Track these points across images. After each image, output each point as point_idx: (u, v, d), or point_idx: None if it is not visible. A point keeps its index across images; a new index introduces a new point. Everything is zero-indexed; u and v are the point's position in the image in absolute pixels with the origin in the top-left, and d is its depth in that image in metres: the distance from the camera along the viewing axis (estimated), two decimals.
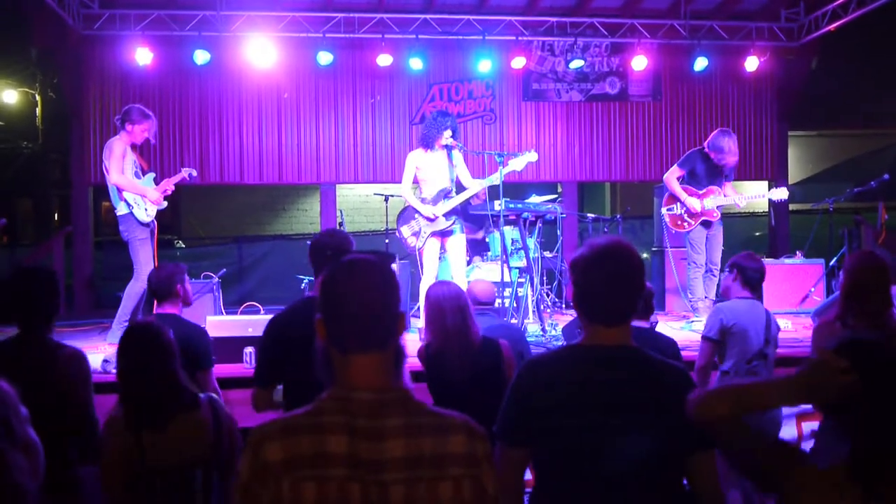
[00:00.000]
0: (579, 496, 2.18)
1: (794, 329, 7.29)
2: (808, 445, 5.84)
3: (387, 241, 9.40)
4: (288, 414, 1.75)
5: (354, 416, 1.68)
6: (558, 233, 8.46)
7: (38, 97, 20.53)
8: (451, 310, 3.97)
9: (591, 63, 10.91)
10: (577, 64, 10.53)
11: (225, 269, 8.91)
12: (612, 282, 2.22)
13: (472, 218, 7.97)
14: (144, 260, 6.91)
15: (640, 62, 10.37)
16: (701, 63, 10.38)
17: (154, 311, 4.73)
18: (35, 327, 3.26)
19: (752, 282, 4.70)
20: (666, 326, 7.27)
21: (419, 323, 7.13)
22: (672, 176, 7.83)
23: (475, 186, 6.99)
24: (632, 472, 2.15)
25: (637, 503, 2.18)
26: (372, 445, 1.65)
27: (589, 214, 9.83)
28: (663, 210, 7.92)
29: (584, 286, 2.27)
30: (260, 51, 9.58)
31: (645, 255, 10.17)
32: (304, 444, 1.65)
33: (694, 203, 7.64)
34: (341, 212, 9.80)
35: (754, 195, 8.08)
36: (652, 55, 10.49)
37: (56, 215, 22.73)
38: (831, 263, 8.87)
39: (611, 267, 2.23)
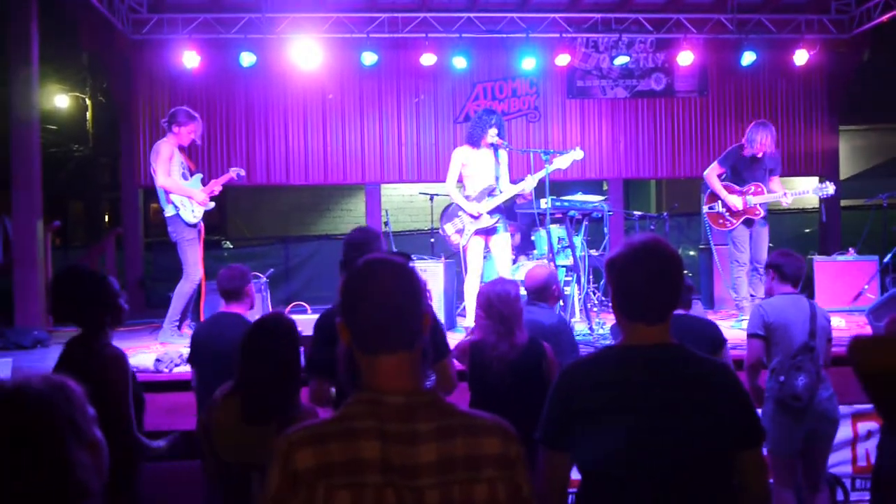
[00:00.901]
0: (624, 498, 2.15)
1: (848, 327, 7.14)
2: (864, 446, 5.76)
3: (432, 240, 9.41)
4: (314, 421, 1.75)
5: (385, 421, 1.66)
6: (605, 231, 8.39)
7: (88, 102, 20.92)
8: (500, 309, 3.95)
9: (636, 59, 10.80)
10: (621, 60, 10.44)
11: (273, 269, 8.98)
12: (650, 280, 2.20)
13: (517, 216, 7.94)
14: (193, 260, 7.00)
15: (686, 58, 10.24)
16: (748, 57, 10.23)
17: (221, 310, 4.80)
18: (88, 328, 3.33)
19: (791, 276, 4.65)
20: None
21: (465, 322, 7.16)
22: (712, 173, 7.72)
23: (518, 188, 6.94)
24: (677, 473, 2.12)
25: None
26: (405, 450, 1.63)
27: (635, 212, 9.73)
28: (704, 208, 7.82)
29: (623, 285, 2.25)
30: (305, 52, 9.64)
31: (692, 253, 10.05)
32: (335, 450, 1.62)
33: (735, 201, 7.53)
34: (387, 211, 9.82)
35: (801, 191, 7.92)
36: (698, 50, 10.35)
37: (107, 218, 23.13)
38: (885, 260, 8.67)
39: (649, 265, 2.21)
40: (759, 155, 7.49)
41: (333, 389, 3.60)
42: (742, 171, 7.62)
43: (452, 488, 1.62)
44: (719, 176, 7.70)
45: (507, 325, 3.94)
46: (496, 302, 3.97)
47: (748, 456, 2.19)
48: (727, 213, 7.62)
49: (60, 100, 20.56)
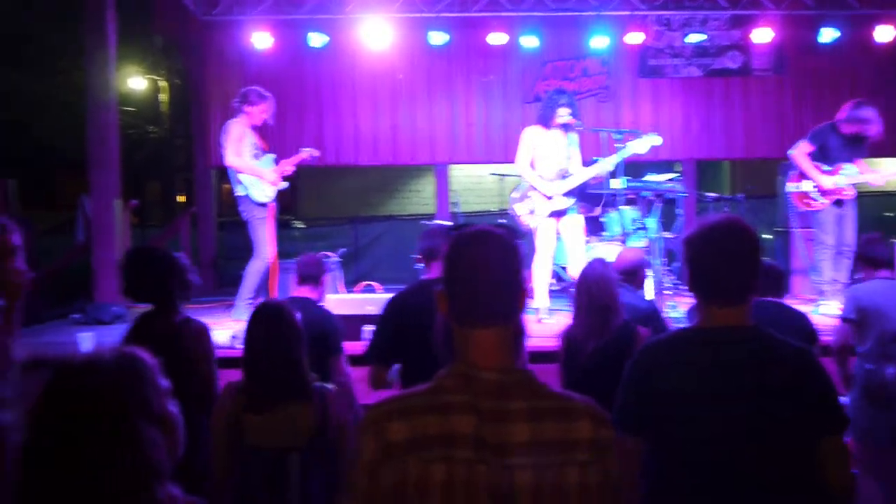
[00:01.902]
0: (700, 485, 2.10)
1: None
2: None
3: (502, 220, 9.36)
4: (406, 392, 1.72)
5: (479, 397, 1.63)
6: (678, 212, 8.22)
7: (163, 83, 21.36)
8: (598, 294, 3.89)
9: (710, 37, 10.53)
10: (695, 38, 10.19)
11: (345, 249, 9.05)
12: (727, 260, 2.16)
13: (589, 197, 7.83)
14: (263, 239, 7.07)
15: (762, 35, 9.94)
16: (828, 34, 9.89)
17: (292, 294, 4.87)
18: (161, 303, 3.40)
19: (883, 261, 4.48)
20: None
21: (533, 304, 7.10)
22: (801, 151, 7.40)
23: (591, 170, 6.83)
24: (754, 458, 2.08)
25: (761, 492, 2.09)
26: (497, 428, 1.61)
27: (709, 194, 9.52)
28: (791, 186, 7.54)
29: (699, 265, 2.21)
30: (374, 32, 9.64)
31: (768, 236, 9.78)
32: (429, 423, 1.61)
33: (825, 180, 7.22)
34: (455, 192, 9.80)
35: (893, 172, 7.58)
36: (776, 27, 10.02)
37: (182, 198, 23.66)
38: None
39: (726, 245, 2.17)
40: (866, 134, 7.15)
41: (394, 371, 3.60)
42: (832, 150, 7.27)
43: (545, 470, 1.59)
44: (808, 154, 7.37)
45: (603, 311, 3.88)
46: (594, 287, 3.91)
47: (829, 444, 2.13)
48: (815, 193, 7.32)
49: (136, 82, 21.04)
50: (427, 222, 9.56)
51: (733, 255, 2.16)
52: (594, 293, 3.91)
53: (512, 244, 1.75)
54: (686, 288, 2.27)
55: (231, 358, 5.58)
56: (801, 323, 4.26)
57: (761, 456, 2.07)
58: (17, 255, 3.08)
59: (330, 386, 3.13)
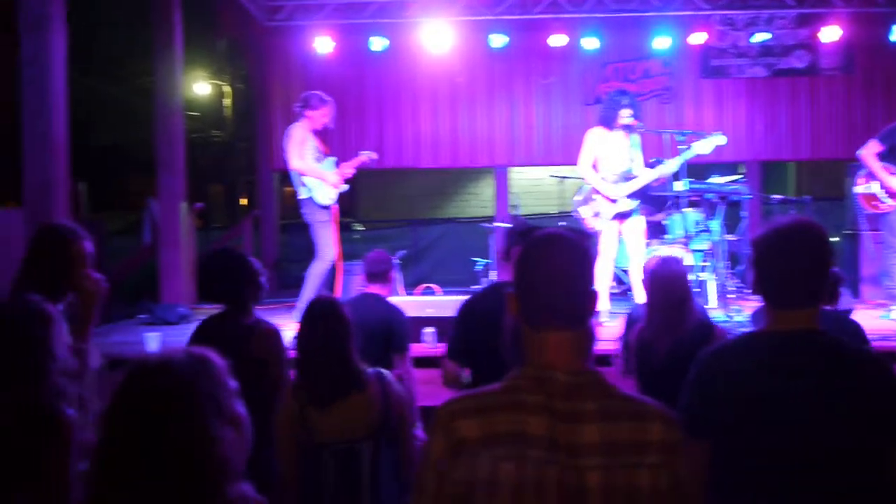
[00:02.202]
0: (765, 491, 2.05)
1: None
2: None
3: (561, 223, 9.30)
4: (478, 391, 1.72)
5: (552, 397, 1.63)
6: (743, 215, 8.08)
7: (227, 88, 21.73)
8: (671, 287, 3.83)
9: (776, 36, 10.32)
10: (761, 37, 10.00)
11: (405, 251, 9.10)
12: (796, 263, 2.09)
13: (651, 199, 7.73)
14: (326, 242, 7.14)
15: (831, 33, 9.73)
16: None
17: (363, 291, 4.92)
18: (235, 305, 3.45)
19: None
20: (863, 315, 6.78)
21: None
22: (870, 152, 7.18)
23: (654, 172, 6.75)
24: (822, 464, 2.02)
25: (828, 499, 2.03)
26: (568, 428, 1.60)
27: (774, 196, 9.33)
28: (858, 188, 7.34)
29: (767, 268, 2.15)
30: (435, 35, 9.69)
31: (835, 239, 9.56)
32: (501, 422, 1.61)
33: (894, 182, 7.02)
34: (515, 195, 9.78)
35: None
36: (844, 25, 9.80)
37: (244, 200, 24.02)
38: None
39: (795, 247, 2.10)
40: None
41: (467, 374, 3.60)
42: None
43: (615, 472, 1.59)
44: (877, 154, 7.15)
45: (679, 308, 3.81)
46: (668, 283, 3.85)
47: None
48: (883, 195, 7.11)
49: (201, 87, 21.43)
50: (487, 225, 9.56)
51: (803, 259, 2.10)
52: (669, 289, 3.84)
53: (583, 247, 1.75)
54: (750, 291, 2.22)
55: (293, 359, 5.68)
56: (854, 332, 4.12)
57: (828, 463, 2.02)
58: (90, 262, 3.15)
59: (386, 371, 3.13)
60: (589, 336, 1.73)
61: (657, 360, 3.78)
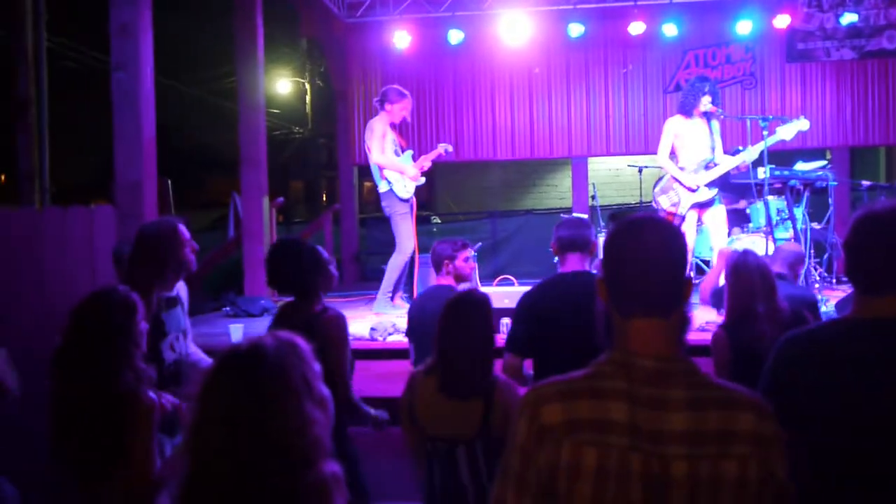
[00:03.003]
0: (847, 483, 1.99)
1: None
2: None
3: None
4: (565, 376, 1.69)
5: (635, 384, 1.60)
6: (829, 202, 7.85)
7: (307, 86, 22.10)
8: (762, 284, 3.75)
9: (865, 16, 9.96)
10: (849, 19, 9.67)
11: (481, 243, 9.12)
12: (890, 248, 2.00)
13: (732, 187, 7.57)
14: (406, 234, 7.21)
15: None
16: None
17: (435, 283, 4.97)
18: (303, 295, 3.53)
19: None
20: None
21: None
22: None
23: (735, 159, 6.62)
24: None
25: None
26: (653, 415, 1.58)
27: (863, 182, 9.03)
28: None
29: (860, 253, 2.06)
30: (512, 26, 9.66)
31: None
32: (584, 407, 1.60)
33: None
34: (593, 185, 9.70)
35: None
36: None
37: (324, 195, 24.41)
38: None
39: (890, 231, 2.01)
40: None
41: (528, 365, 3.59)
42: None
43: (700, 462, 1.55)
44: None
45: (770, 302, 3.73)
46: (765, 271, 3.77)
47: None
48: None
49: (282, 85, 21.85)
50: (565, 215, 9.51)
51: None
52: (766, 276, 3.75)
53: (675, 232, 1.70)
54: (835, 281, 2.15)
55: (370, 350, 5.76)
56: None
57: None
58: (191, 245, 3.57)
59: (500, 376, 3.13)
60: (681, 323, 1.69)
61: (757, 357, 3.68)
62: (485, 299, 3.12)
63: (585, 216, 5.74)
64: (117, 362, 2.70)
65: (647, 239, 1.67)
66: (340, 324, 3.46)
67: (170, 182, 8.84)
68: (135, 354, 2.78)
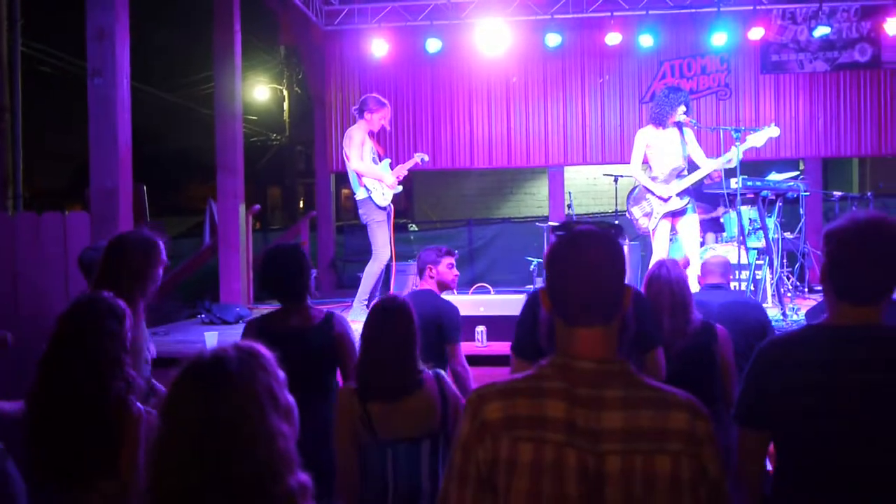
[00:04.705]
0: (822, 485, 2.04)
1: None
2: None
3: (616, 222, 9.25)
4: (508, 378, 1.77)
5: (574, 384, 1.67)
6: (801, 212, 7.94)
7: (284, 93, 22.06)
8: (678, 289, 3.83)
9: (837, 29, 10.13)
10: (822, 31, 9.80)
11: (457, 251, 9.14)
12: (871, 258, 2.06)
13: (706, 197, 7.65)
14: (382, 242, 7.22)
15: (894, 25, 9.48)
16: None
17: (416, 289, 5.01)
18: (294, 301, 3.53)
19: None
20: None
21: None
22: None
23: (710, 165, 6.70)
24: (883, 461, 1.99)
25: (886, 493, 2.00)
26: (590, 414, 1.64)
27: (835, 192, 9.14)
28: None
29: (840, 261, 2.11)
30: (489, 35, 9.71)
31: None
32: (522, 405, 1.67)
33: None
34: (570, 194, 9.76)
35: None
36: None
37: (301, 202, 24.36)
38: None
39: (872, 242, 2.06)
40: None
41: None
42: None
43: (634, 458, 1.61)
44: None
45: (685, 310, 3.82)
46: (675, 286, 3.85)
47: None
48: None
49: (260, 91, 21.80)
50: (541, 224, 9.56)
51: (879, 254, 2.07)
52: (676, 291, 3.83)
53: (613, 244, 1.76)
54: (807, 290, 2.19)
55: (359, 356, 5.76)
56: None
57: (888, 457, 1.99)
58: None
59: (441, 372, 3.15)
60: (620, 329, 1.75)
61: (668, 363, 3.75)
62: (405, 303, 3.15)
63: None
64: (108, 370, 2.68)
65: (587, 252, 1.73)
66: (348, 326, 3.52)
67: (145, 188, 8.77)
68: (125, 362, 2.76)
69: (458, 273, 5.01)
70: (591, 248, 1.73)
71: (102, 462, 2.61)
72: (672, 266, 3.99)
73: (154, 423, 2.94)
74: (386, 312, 3.10)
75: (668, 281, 3.88)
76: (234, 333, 6.79)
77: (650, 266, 4.16)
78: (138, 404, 2.71)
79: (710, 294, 4.64)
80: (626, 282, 1.78)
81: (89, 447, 2.61)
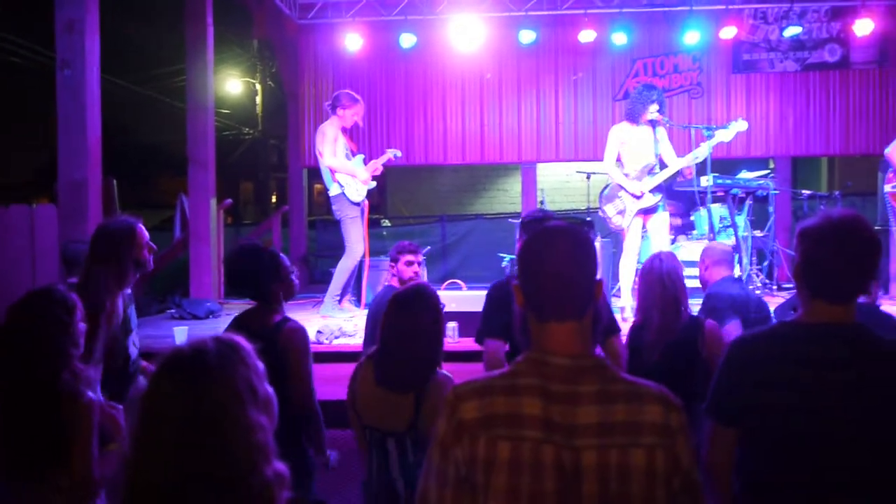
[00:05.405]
0: (794, 482, 2.06)
1: None
2: None
3: (588, 219, 9.30)
4: (484, 376, 1.77)
5: (549, 380, 1.68)
6: (770, 210, 8.03)
7: (257, 86, 21.92)
8: (669, 282, 3.84)
9: (808, 30, 10.23)
10: (793, 31, 9.91)
11: (430, 247, 9.14)
12: (846, 257, 2.08)
13: (676, 195, 7.70)
14: (355, 237, 7.21)
15: (864, 26, 9.58)
16: None
17: (390, 284, 5.02)
18: (262, 301, 3.48)
19: None
20: (892, 311, 6.72)
21: (619, 303, 7.04)
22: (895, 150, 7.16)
23: (679, 164, 6.74)
24: (851, 459, 2.01)
25: (857, 490, 2.02)
26: (566, 410, 1.65)
27: (804, 191, 9.25)
28: (887, 187, 7.29)
29: (814, 258, 2.12)
30: (464, 31, 9.70)
31: None
32: (499, 403, 1.68)
33: None
34: (542, 191, 9.79)
35: None
36: (878, 18, 9.65)
37: (274, 197, 24.24)
38: None
39: (847, 240, 2.08)
40: None
41: (506, 349, 3.61)
42: None
43: (610, 452, 1.63)
44: None
45: (676, 303, 3.83)
46: (667, 279, 3.87)
47: None
48: None
49: (233, 85, 21.63)
50: (513, 220, 9.58)
51: (853, 253, 2.09)
52: (667, 285, 3.86)
53: (583, 240, 1.78)
54: (775, 287, 2.21)
55: (317, 353, 5.72)
56: (890, 324, 4.10)
57: (861, 454, 2.01)
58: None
59: (440, 373, 3.11)
60: (592, 323, 1.77)
61: (650, 360, 3.78)
62: (432, 295, 3.11)
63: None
64: (56, 361, 2.67)
65: (559, 249, 1.74)
66: (302, 336, 3.39)
67: (115, 181, 8.68)
68: (73, 354, 2.74)
69: (417, 270, 4.99)
70: (562, 244, 1.75)
71: (52, 453, 2.59)
72: (667, 258, 4.00)
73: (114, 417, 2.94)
74: (402, 302, 3.06)
75: (659, 275, 3.90)
76: (204, 328, 6.76)
77: (644, 261, 4.17)
78: (90, 393, 2.70)
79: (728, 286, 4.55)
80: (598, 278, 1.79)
81: (37, 438, 2.59)
